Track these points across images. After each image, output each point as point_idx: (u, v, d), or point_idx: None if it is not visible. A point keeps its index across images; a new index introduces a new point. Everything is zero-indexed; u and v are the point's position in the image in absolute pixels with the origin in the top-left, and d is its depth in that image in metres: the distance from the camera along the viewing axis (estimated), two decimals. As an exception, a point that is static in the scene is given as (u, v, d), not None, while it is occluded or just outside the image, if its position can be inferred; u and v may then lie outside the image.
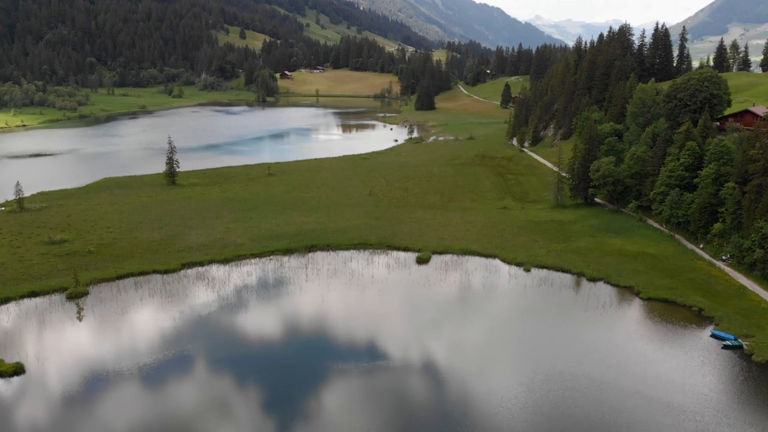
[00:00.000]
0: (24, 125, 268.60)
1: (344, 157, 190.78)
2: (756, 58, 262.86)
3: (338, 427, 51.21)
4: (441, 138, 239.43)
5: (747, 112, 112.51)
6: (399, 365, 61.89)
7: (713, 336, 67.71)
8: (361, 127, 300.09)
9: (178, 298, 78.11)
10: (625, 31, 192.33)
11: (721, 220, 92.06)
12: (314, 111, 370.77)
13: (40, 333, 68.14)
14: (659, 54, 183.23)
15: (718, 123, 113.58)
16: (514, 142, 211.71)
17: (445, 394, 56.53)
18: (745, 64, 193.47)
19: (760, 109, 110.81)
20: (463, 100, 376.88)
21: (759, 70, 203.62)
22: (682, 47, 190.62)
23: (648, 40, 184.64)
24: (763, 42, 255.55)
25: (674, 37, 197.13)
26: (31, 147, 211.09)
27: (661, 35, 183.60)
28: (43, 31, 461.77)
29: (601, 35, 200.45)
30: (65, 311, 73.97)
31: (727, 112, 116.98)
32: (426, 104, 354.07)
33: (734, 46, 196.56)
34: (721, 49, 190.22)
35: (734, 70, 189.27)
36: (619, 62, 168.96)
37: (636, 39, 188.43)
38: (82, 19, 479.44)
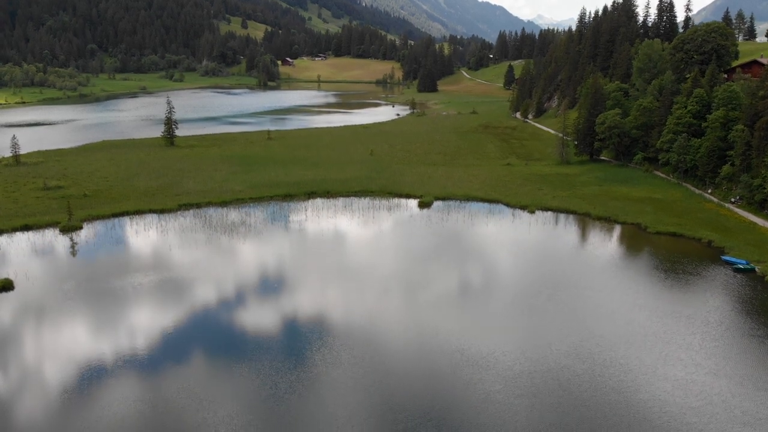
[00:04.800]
0: (23, 102, 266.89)
1: (346, 126, 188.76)
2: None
3: (336, 370, 49.02)
4: (444, 113, 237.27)
5: (755, 62, 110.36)
6: (399, 294, 59.97)
7: (724, 261, 65.79)
8: (363, 105, 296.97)
9: (173, 232, 76.28)
10: (629, 1, 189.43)
11: (729, 163, 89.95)
12: (316, 93, 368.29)
13: (31, 257, 66.46)
14: (663, 25, 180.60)
15: (726, 75, 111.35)
16: (518, 115, 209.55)
17: (454, 322, 54.22)
18: (751, 34, 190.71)
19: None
20: (465, 83, 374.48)
21: (765, 40, 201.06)
22: (687, 19, 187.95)
23: (653, 11, 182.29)
24: (764, 39, 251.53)
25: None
26: (29, 118, 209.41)
27: (666, 5, 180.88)
28: (44, 17, 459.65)
29: (605, 6, 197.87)
30: (58, 241, 72.29)
31: (735, 63, 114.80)
32: (428, 86, 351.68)
33: (740, 15, 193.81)
34: (726, 19, 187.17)
35: (740, 39, 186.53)
36: (623, 29, 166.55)
37: (641, 10, 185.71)
38: (83, 6, 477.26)
